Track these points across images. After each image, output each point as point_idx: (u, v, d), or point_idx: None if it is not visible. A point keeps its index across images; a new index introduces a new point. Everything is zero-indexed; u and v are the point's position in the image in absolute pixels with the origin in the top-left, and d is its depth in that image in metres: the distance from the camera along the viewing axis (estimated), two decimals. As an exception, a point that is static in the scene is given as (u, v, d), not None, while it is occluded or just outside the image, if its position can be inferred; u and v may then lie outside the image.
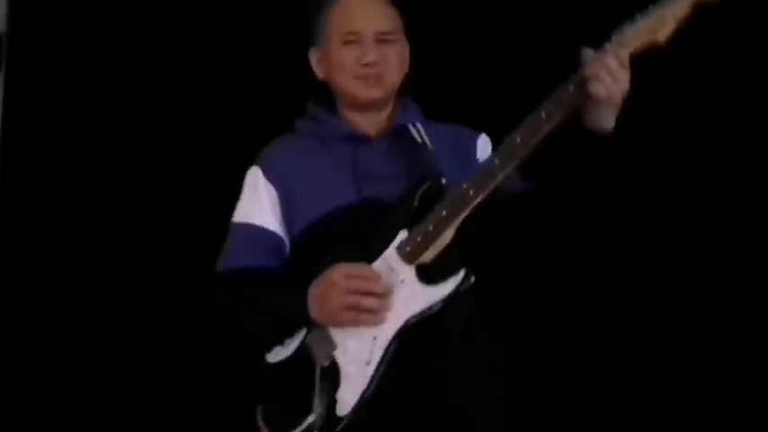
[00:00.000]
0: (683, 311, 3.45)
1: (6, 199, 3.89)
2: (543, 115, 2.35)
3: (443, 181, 2.49)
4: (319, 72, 2.69)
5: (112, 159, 3.85)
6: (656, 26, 2.27)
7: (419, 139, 2.62)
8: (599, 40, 2.33)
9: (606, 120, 2.34)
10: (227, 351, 3.39)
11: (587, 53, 2.33)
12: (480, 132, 2.69)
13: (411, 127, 2.65)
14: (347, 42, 2.61)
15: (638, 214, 3.49)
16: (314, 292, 2.45)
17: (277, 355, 2.54)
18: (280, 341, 2.53)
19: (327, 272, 2.44)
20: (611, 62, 2.29)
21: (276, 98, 3.72)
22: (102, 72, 3.86)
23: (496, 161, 2.41)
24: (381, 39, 2.61)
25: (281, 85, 3.73)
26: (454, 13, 3.63)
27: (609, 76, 2.29)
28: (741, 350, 3.37)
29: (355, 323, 2.43)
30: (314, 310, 2.46)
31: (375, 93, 2.62)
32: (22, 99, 3.89)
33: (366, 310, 2.41)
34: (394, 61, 2.63)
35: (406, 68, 2.68)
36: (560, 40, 3.32)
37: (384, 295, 2.42)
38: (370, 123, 2.66)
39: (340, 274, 2.43)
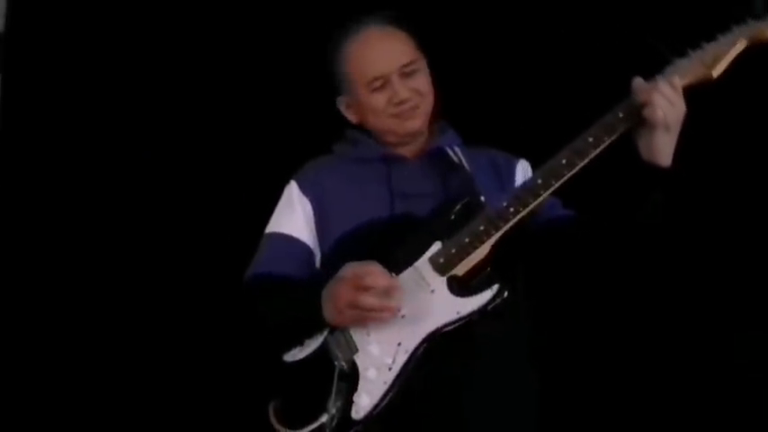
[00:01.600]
0: (683, 312, 3.49)
1: (6, 199, 3.85)
2: (590, 139, 2.39)
3: (482, 198, 2.52)
4: (352, 118, 2.72)
5: (111, 159, 3.83)
6: (711, 62, 2.32)
7: (456, 161, 2.65)
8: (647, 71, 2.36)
9: (663, 149, 2.37)
10: (228, 351, 3.47)
11: (638, 82, 2.37)
12: (520, 158, 2.72)
13: (449, 149, 2.68)
14: (375, 89, 2.63)
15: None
16: (326, 291, 2.48)
17: (295, 355, 2.56)
18: (299, 342, 2.56)
19: (339, 274, 2.46)
20: (665, 88, 2.33)
21: (273, 97, 3.76)
22: (102, 72, 3.83)
23: (539, 181, 2.43)
24: (406, 71, 2.63)
25: (273, 82, 3.76)
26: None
27: (664, 99, 2.32)
28: (741, 351, 3.42)
29: (360, 321, 2.45)
30: (325, 310, 2.48)
31: (413, 125, 2.65)
32: (20, 99, 3.85)
33: (365, 309, 2.41)
34: (424, 88, 2.65)
35: (431, 86, 2.68)
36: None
37: (392, 289, 2.41)
38: (407, 148, 2.70)
39: (348, 271, 2.44)
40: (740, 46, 2.33)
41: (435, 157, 2.68)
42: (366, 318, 2.43)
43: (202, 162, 3.81)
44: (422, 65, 2.67)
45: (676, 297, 3.49)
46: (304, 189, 2.68)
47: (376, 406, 2.42)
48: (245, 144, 3.76)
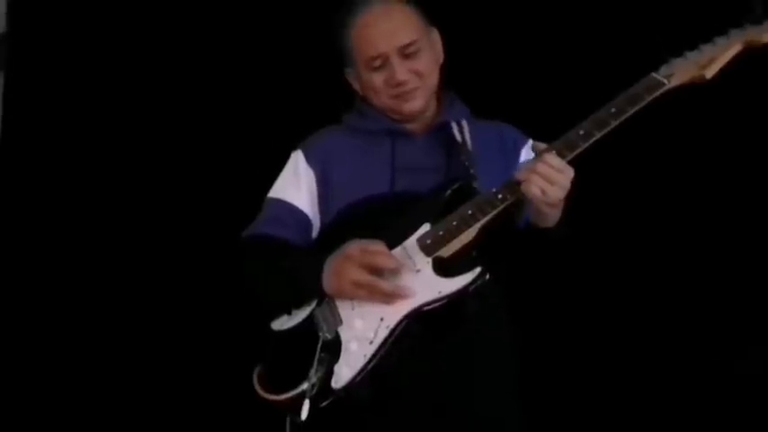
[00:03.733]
0: (682, 313, 3.49)
1: (6, 199, 3.86)
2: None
3: (475, 184, 2.55)
4: (356, 87, 2.73)
5: (112, 159, 3.83)
6: (706, 63, 2.35)
7: (459, 138, 2.66)
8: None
9: (548, 218, 2.45)
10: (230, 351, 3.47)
11: (522, 165, 2.45)
12: (529, 138, 2.69)
13: (454, 124, 2.68)
14: (374, 68, 2.64)
15: (638, 215, 3.53)
16: (330, 264, 2.51)
17: (282, 324, 2.60)
18: (289, 309, 2.59)
19: (344, 246, 2.50)
20: (543, 168, 2.38)
21: (271, 99, 3.76)
22: (102, 72, 3.84)
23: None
24: (406, 52, 2.63)
25: (272, 85, 3.77)
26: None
27: (542, 180, 2.37)
28: (741, 352, 3.43)
29: (368, 299, 2.48)
30: (327, 282, 2.51)
31: (413, 106, 2.66)
32: (21, 99, 3.86)
33: (380, 293, 2.46)
34: (424, 69, 2.64)
35: (440, 59, 2.70)
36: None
37: (396, 272, 2.46)
38: (413, 124, 2.70)
39: (356, 248, 2.48)
40: (735, 49, 2.35)
41: (441, 133, 2.68)
42: (376, 298, 2.47)
43: (203, 162, 3.81)
44: (425, 43, 2.66)
45: (675, 299, 3.50)
46: (310, 160, 2.70)
47: (355, 377, 2.46)
48: (247, 144, 3.76)
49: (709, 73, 2.35)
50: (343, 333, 2.50)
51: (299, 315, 2.58)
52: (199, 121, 3.82)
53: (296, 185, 2.69)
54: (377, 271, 2.47)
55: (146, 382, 3.77)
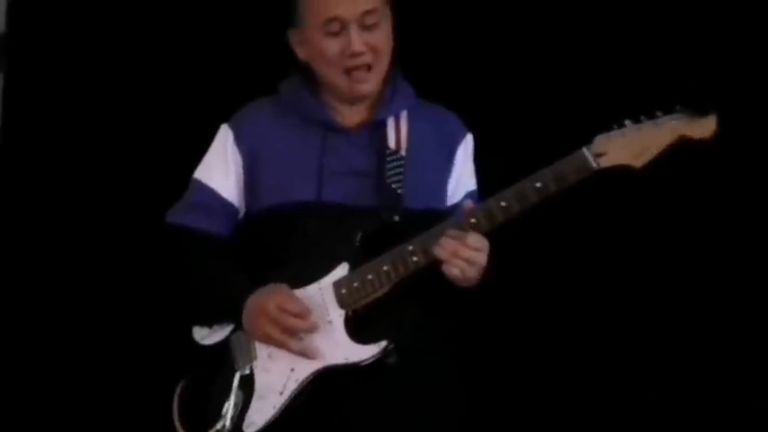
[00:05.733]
0: (680, 314, 3.48)
1: (6, 198, 3.88)
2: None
3: (395, 218, 2.48)
4: (301, 54, 2.55)
5: (112, 159, 3.84)
6: (638, 152, 2.31)
7: (394, 144, 2.54)
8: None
9: (463, 284, 2.42)
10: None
11: (444, 240, 2.37)
12: (467, 132, 2.62)
13: (391, 122, 2.56)
14: (329, 33, 2.46)
15: (637, 215, 3.51)
16: (249, 306, 2.47)
17: (204, 338, 2.58)
18: (209, 324, 2.56)
19: (264, 295, 2.45)
20: (464, 251, 2.36)
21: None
22: (102, 72, 3.84)
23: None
24: (366, 22, 2.46)
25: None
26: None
27: (463, 262, 2.36)
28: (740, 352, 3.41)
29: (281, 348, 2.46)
30: (245, 321, 2.48)
31: (364, 88, 2.51)
32: (21, 99, 3.88)
33: (288, 348, 2.44)
34: (382, 46, 2.49)
35: (391, 39, 2.54)
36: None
37: (309, 332, 2.44)
38: (352, 112, 2.57)
39: (273, 305, 2.43)
40: (668, 141, 2.30)
41: (376, 132, 2.56)
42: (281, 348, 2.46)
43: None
44: (385, 14, 2.51)
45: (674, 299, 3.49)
46: (239, 141, 2.58)
47: (265, 428, 2.45)
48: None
49: (640, 163, 2.31)
50: (258, 373, 2.48)
51: (220, 332, 2.55)
52: (197, 120, 3.77)
53: (224, 171, 2.58)
54: (290, 331, 2.44)
55: (145, 381, 3.72)
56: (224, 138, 2.60)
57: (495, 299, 3.36)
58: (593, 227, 3.48)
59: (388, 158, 2.52)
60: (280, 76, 2.64)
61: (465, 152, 2.60)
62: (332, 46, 2.47)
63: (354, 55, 2.46)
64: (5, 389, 3.83)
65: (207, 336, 2.57)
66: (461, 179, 2.58)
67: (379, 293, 2.44)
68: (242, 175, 2.57)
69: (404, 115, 2.57)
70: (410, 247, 2.41)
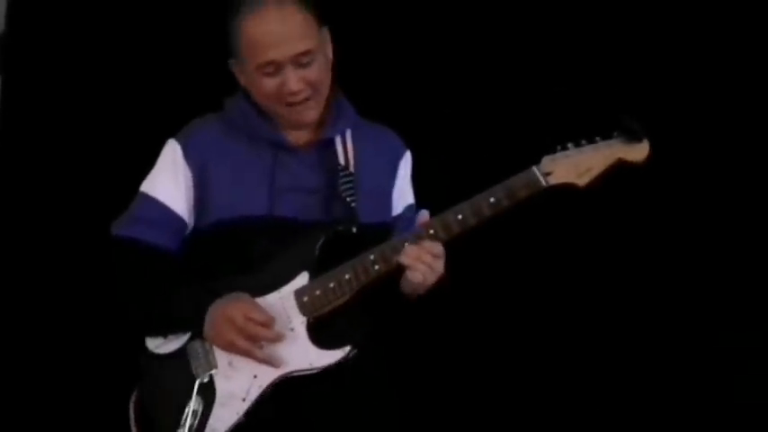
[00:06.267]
0: (679, 314, 3.51)
1: (6, 198, 3.88)
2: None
3: (353, 230, 2.56)
4: (242, 81, 2.61)
5: (111, 159, 3.82)
6: (583, 171, 2.45)
7: (342, 160, 2.63)
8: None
9: (419, 290, 2.53)
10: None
11: (408, 247, 2.45)
12: (406, 149, 2.73)
13: (338, 140, 2.63)
14: (266, 74, 2.53)
15: (636, 214, 3.54)
16: (212, 314, 2.50)
17: (158, 347, 2.59)
18: (162, 334, 2.58)
19: (228, 304, 2.49)
20: (427, 257, 2.45)
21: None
22: (102, 72, 3.83)
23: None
24: (301, 61, 2.52)
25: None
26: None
27: (425, 267, 2.45)
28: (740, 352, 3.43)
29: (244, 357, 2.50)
30: (207, 329, 2.51)
31: (306, 117, 2.58)
32: (21, 100, 3.88)
33: (254, 358, 2.48)
34: (318, 78, 2.55)
35: (330, 59, 2.59)
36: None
37: (275, 341, 2.49)
38: (299, 133, 2.63)
39: (240, 314, 2.48)
40: (609, 162, 2.45)
41: (324, 150, 2.63)
42: (244, 356, 2.50)
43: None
44: (320, 50, 2.55)
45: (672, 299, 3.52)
46: (188, 156, 2.61)
47: None
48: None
49: (583, 182, 2.46)
50: (218, 381, 2.52)
51: (176, 341, 2.57)
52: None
53: (174, 184, 2.61)
54: (255, 339, 2.48)
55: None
56: (172, 153, 2.63)
57: (494, 299, 3.40)
58: (590, 226, 3.50)
59: (340, 175, 2.60)
60: (223, 88, 2.68)
61: (405, 167, 2.72)
62: (269, 84, 2.54)
63: (292, 94, 2.54)
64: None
65: (161, 345, 2.59)
66: (402, 193, 2.70)
67: (341, 301, 2.51)
68: (192, 190, 2.60)
69: (348, 133, 2.66)
70: (371, 256, 2.48)
